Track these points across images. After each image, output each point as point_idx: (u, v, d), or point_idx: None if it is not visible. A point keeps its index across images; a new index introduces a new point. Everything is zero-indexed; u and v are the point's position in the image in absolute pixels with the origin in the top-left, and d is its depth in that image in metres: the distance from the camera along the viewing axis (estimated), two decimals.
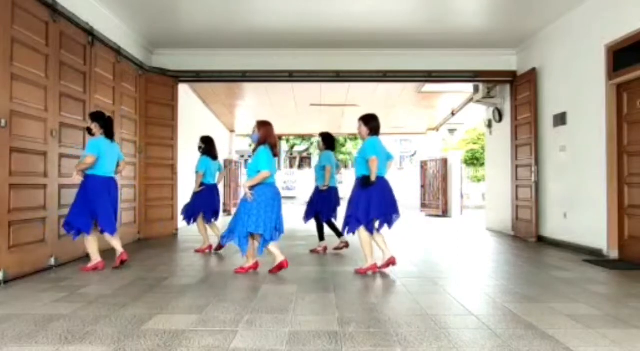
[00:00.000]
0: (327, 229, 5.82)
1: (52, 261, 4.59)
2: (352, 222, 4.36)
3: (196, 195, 5.71)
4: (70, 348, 2.42)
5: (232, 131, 15.05)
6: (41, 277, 4.19)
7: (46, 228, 4.53)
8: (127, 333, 2.63)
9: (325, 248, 5.77)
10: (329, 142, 5.87)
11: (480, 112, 9.80)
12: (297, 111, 11.83)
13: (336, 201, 5.82)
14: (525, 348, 2.43)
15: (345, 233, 4.69)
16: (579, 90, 5.90)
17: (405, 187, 16.87)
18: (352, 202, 4.40)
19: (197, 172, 5.71)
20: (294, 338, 2.56)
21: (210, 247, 5.73)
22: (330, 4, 5.79)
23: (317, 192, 5.78)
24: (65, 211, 4.85)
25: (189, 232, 7.80)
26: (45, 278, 4.14)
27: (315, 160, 25.37)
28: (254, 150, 4.35)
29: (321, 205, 5.71)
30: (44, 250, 4.50)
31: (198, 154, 5.87)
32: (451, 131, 15.24)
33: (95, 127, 4.49)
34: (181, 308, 3.18)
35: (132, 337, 2.57)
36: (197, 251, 5.72)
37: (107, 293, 3.61)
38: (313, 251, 5.78)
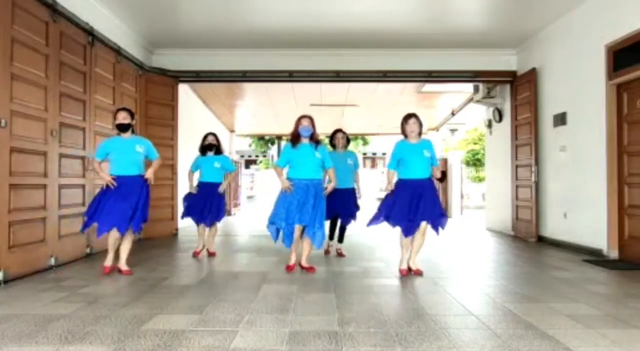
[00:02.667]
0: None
1: (52, 261, 4.59)
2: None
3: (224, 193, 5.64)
4: (70, 348, 2.42)
5: (232, 131, 15.05)
6: (41, 277, 4.19)
7: (46, 228, 4.53)
8: (127, 333, 2.63)
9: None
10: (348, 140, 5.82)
11: (480, 112, 9.79)
12: (298, 111, 11.80)
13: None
14: (525, 348, 2.43)
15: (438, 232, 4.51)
16: (579, 90, 5.90)
17: None
18: (434, 201, 4.38)
19: (233, 171, 5.82)
20: (294, 338, 2.56)
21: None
22: (330, 4, 5.79)
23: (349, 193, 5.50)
24: (66, 211, 4.87)
25: (189, 232, 7.79)
26: (45, 278, 4.14)
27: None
28: (316, 145, 4.56)
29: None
30: (44, 250, 4.50)
31: (197, 153, 5.67)
32: (451, 131, 15.24)
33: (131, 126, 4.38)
34: (181, 308, 3.18)
35: (132, 337, 2.57)
36: (210, 254, 5.50)
37: (107, 293, 3.61)
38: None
